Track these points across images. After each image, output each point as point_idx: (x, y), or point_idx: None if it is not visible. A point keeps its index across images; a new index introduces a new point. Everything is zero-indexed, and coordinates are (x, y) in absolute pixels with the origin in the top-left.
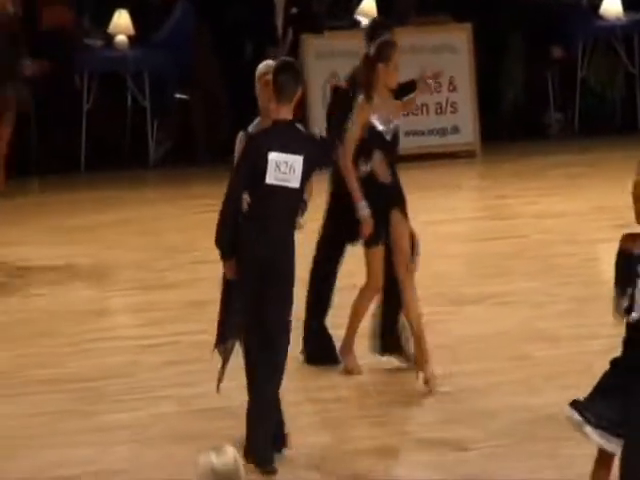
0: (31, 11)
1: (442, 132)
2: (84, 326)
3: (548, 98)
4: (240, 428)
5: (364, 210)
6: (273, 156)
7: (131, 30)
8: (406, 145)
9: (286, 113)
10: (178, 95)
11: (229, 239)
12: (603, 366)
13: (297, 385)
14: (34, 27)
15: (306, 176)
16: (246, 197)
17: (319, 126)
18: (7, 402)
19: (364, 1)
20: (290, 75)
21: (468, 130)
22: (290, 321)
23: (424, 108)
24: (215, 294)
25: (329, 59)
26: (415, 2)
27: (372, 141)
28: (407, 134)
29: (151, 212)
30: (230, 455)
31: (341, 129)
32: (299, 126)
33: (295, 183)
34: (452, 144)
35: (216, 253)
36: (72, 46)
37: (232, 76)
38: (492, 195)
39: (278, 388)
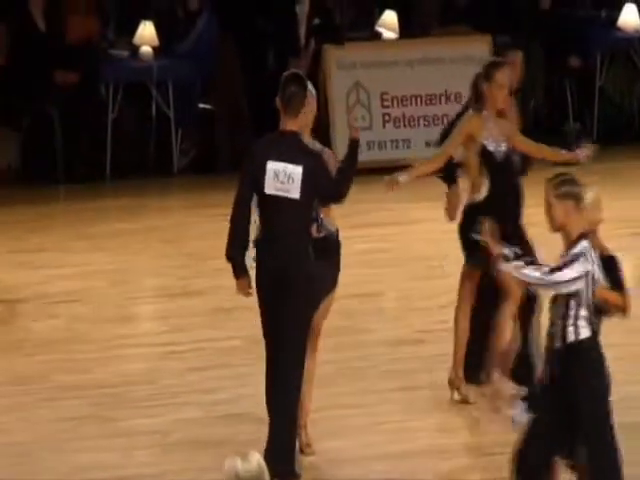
0: (57, 22)
1: None
2: (108, 332)
3: (567, 108)
4: (263, 433)
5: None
6: (271, 165)
7: (156, 41)
8: (426, 155)
9: (292, 125)
10: (202, 105)
11: (239, 253)
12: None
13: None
14: (60, 38)
15: (308, 188)
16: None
17: (341, 134)
18: (33, 407)
19: (385, 13)
20: (297, 88)
21: None
22: (302, 338)
23: (444, 118)
24: (238, 301)
25: (351, 70)
26: (436, 14)
27: (483, 161)
28: (428, 144)
29: (174, 220)
30: (255, 462)
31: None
32: (307, 140)
33: (295, 194)
34: None
35: None
36: (98, 57)
37: (255, 86)
38: None
39: (294, 404)
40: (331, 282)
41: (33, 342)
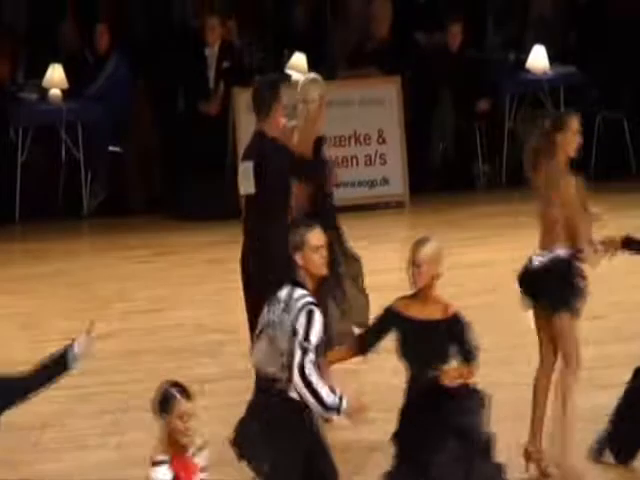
0: None
1: (371, 184)
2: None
3: (476, 150)
4: None
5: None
6: (239, 167)
7: (65, 84)
8: (336, 196)
9: (260, 125)
10: (112, 148)
11: None
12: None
13: None
14: None
15: (263, 180)
16: None
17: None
18: None
19: (294, 55)
20: (265, 91)
21: (397, 181)
22: None
23: (354, 160)
24: (146, 343)
25: None
26: (345, 56)
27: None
28: (337, 185)
29: (84, 263)
30: None
31: None
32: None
33: (250, 189)
34: (381, 195)
35: (147, 304)
36: (6, 100)
37: (165, 128)
38: None
39: None
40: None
41: None
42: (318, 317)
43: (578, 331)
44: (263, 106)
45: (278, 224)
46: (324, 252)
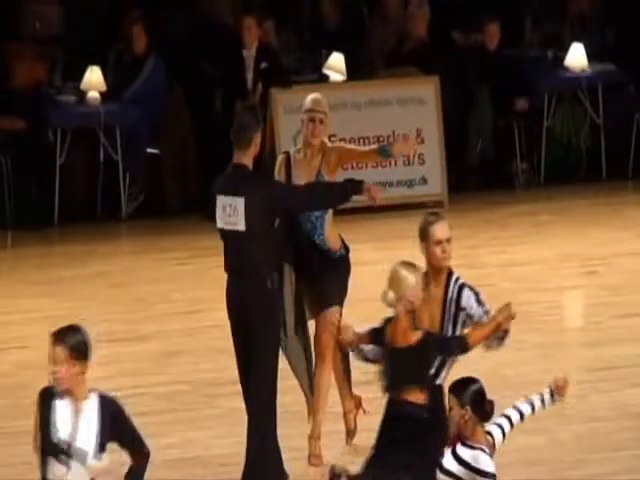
0: (3, 69)
1: (410, 183)
2: None
3: (514, 148)
4: (210, 477)
5: None
6: (220, 199)
7: (103, 86)
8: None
9: (240, 158)
10: (149, 150)
11: None
12: (573, 412)
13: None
14: (7, 84)
15: (253, 218)
16: None
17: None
18: None
19: (332, 56)
20: (247, 120)
21: (436, 181)
22: (267, 384)
23: (392, 160)
24: (184, 345)
25: (298, 113)
26: (383, 56)
27: None
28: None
29: (122, 265)
30: None
31: None
32: (250, 169)
33: (241, 226)
34: (420, 195)
35: (186, 305)
36: (45, 103)
37: (202, 130)
38: (460, 245)
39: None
40: (337, 296)
41: None
42: None
43: None
44: (244, 137)
45: (267, 262)
46: (447, 246)
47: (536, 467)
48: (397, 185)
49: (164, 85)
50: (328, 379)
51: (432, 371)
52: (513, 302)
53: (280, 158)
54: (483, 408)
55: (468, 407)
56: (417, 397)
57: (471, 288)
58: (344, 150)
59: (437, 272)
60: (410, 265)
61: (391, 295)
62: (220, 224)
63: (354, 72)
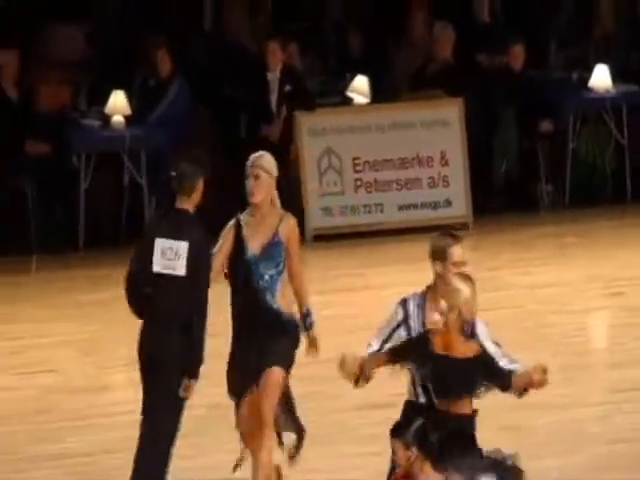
0: (28, 92)
1: (435, 205)
2: (82, 402)
3: (539, 170)
4: None
5: None
6: (159, 242)
7: (127, 110)
8: (399, 218)
9: (182, 203)
10: (174, 173)
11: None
12: (596, 432)
13: None
14: (32, 108)
15: (193, 264)
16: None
17: (312, 200)
18: (3, 478)
19: (356, 78)
20: (188, 169)
21: (460, 203)
22: (171, 420)
23: (416, 182)
24: (204, 369)
25: (322, 135)
26: (407, 78)
27: None
28: (400, 208)
29: None
30: None
31: None
32: (193, 216)
33: (181, 270)
34: (445, 217)
35: (220, 326)
36: (69, 127)
37: (227, 154)
38: (485, 267)
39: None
40: (282, 358)
41: (4, 412)
42: None
43: None
44: (185, 184)
45: (202, 308)
46: (463, 268)
47: None
48: (422, 207)
49: (188, 108)
50: (269, 459)
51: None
52: (538, 324)
53: (229, 223)
54: (428, 443)
55: (414, 447)
56: (467, 408)
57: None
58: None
59: None
60: (465, 277)
61: (443, 304)
62: (157, 267)
63: (378, 95)
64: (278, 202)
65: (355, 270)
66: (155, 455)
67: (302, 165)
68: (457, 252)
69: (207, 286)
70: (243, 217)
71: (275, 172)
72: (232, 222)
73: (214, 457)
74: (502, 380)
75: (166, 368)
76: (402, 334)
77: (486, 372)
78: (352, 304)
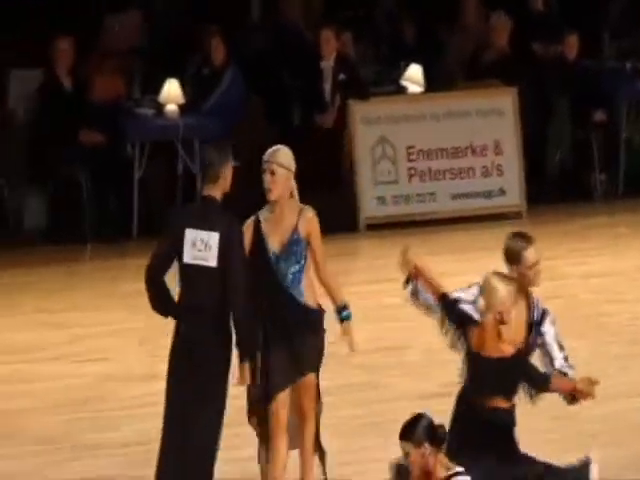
0: (83, 82)
1: (488, 194)
2: (137, 390)
3: (593, 160)
4: None
5: None
6: (189, 233)
7: (181, 99)
8: (453, 207)
9: (209, 190)
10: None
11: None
12: None
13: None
14: (86, 98)
15: (225, 254)
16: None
17: (366, 188)
18: (60, 466)
19: (410, 67)
20: (213, 155)
21: (514, 192)
22: (214, 418)
23: (470, 171)
24: None
25: (376, 124)
26: (462, 67)
27: None
28: (454, 197)
29: None
30: None
31: None
32: (220, 203)
33: (212, 261)
34: (498, 206)
35: None
36: (123, 116)
37: (281, 142)
38: None
39: None
40: (314, 361)
41: (61, 401)
42: None
43: None
44: (211, 172)
45: (240, 293)
46: (539, 268)
47: None
48: (475, 196)
49: (242, 97)
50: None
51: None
52: (593, 313)
53: (248, 221)
54: (438, 436)
55: (426, 443)
56: (503, 404)
57: (551, 313)
58: None
59: (524, 294)
60: (503, 276)
61: (481, 303)
62: (187, 259)
63: (432, 83)
64: (297, 196)
65: None
66: (200, 451)
67: (355, 154)
68: (531, 255)
69: (242, 272)
70: (262, 214)
71: (292, 166)
72: (251, 219)
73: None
74: (540, 383)
75: (203, 363)
76: (466, 308)
77: (522, 373)
78: (404, 293)
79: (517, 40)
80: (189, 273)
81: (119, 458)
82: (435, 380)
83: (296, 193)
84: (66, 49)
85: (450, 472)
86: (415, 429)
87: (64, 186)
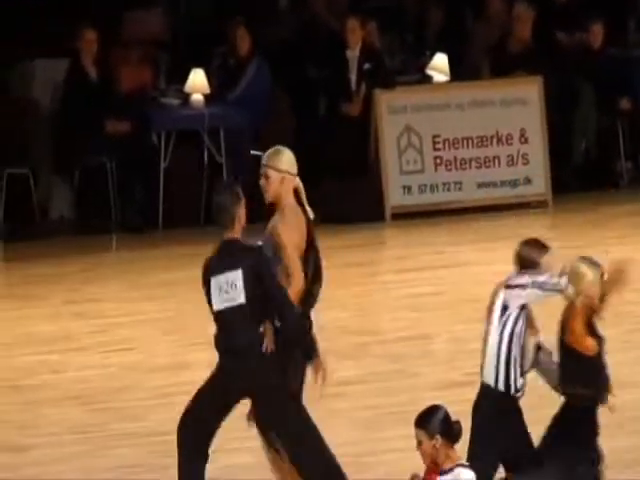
0: (109, 72)
1: (514, 183)
2: (162, 380)
3: (618, 148)
4: None
5: None
6: (214, 281)
7: (207, 89)
8: (478, 196)
9: (228, 234)
10: (253, 152)
11: None
12: None
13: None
14: (112, 88)
15: (251, 286)
16: None
17: (392, 178)
18: (89, 456)
19: (436, 56)
20: (225, 199)
21: (540, 181)
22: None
23: (496, 160)
24: None
25: (402, 113)
26: (487, 56)
27: None
28: (479, 186)
29: None
30: None
31: None
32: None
33: (240, 298)
34: (524, 195)
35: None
36: (149, 105)
37: (306, 132)
38: (564, 245)
39: None
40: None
41: (88, 391)
42: None
43: None
44: (226, 217)
45: (284, 302)
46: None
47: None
48: (501, 185)
49: (268, 87)
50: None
51: None
52: (617, 301)
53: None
54: (452, 431)
55: (438, 435)
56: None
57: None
58: None
59: None
60: (591, 261)
61: (571, 289)
62: (218, 306)
63: (457, 72)
64: (304, 199)
65: (434, 248)
66: (309, 455)
67: (381, 143)
68: (546, 265)
69: (281, 289)
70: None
71: (291, 168)
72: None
73: None
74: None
75: (261, 392)
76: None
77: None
78: (431, 282)
79: (541, 30)
80: (222, 318)
81: (144, 447)
82: (460, 369)
83: (303, 196)
84: (92, 40)
85: (453, 464)
86: (431, 419)
87: (90, 176)
